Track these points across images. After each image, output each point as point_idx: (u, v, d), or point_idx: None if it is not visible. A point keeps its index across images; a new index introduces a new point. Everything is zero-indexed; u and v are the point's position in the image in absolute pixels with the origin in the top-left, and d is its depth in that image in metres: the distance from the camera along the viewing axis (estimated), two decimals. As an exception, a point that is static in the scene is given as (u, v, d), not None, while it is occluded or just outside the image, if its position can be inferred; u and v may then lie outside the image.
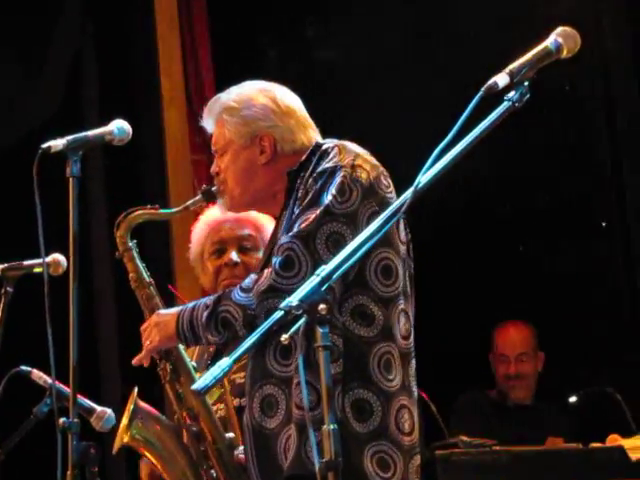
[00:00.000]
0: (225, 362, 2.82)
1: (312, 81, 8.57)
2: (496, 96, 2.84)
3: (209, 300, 3.94)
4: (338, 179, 3.75)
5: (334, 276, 2.74)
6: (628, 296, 8.81)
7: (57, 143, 3.64)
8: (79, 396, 3.84)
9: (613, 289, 8.87)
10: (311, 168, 3.90)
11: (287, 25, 8.85)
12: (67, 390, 3.80)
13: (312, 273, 2.82)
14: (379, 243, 3.10)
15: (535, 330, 7.89)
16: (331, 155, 3.86)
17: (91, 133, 3.80)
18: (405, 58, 8.86)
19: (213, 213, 4.92)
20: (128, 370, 6.67)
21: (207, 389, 3.03)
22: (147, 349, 4.07)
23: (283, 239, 3.77)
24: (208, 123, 4.20)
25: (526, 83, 2.90)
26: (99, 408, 4.55)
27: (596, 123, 9.20)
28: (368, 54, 8.72)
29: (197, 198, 4.21)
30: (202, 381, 2.89)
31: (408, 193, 2.75)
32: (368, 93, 8.72)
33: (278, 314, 2.72)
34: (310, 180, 3.84)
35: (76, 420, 3.65)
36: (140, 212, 4.29)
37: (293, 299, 2.67)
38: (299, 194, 3.91)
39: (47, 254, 3.79)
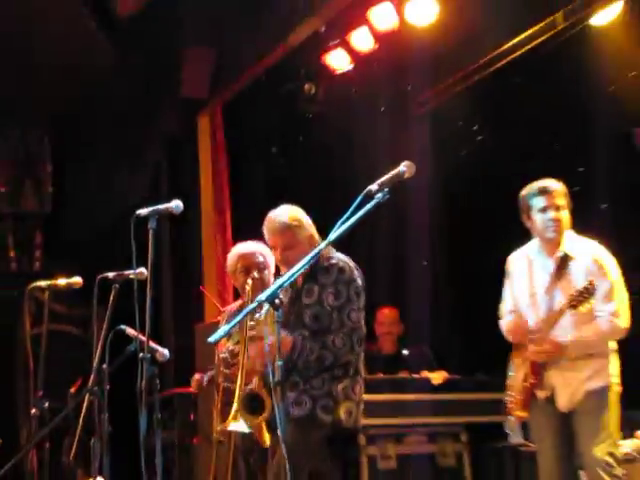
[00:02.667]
0: (227, 326, 4.32)
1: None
2: (370, 197, 4.17)
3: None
4: None
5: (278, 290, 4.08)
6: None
7: (144, 211, 4.95)
8: (150, 342, 5.06)
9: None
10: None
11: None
12: (144, 338, 5.01)
13: None
14: None
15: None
16: None
17: (161, 206, 5.05)
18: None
19: (241, 246, 6.45)
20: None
21: (217, 340, 4.76)
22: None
23: None
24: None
25: (386, 189, 4.16)
26: (161, 348, 5.87)
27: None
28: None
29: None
30: (216, 335, 4.65)
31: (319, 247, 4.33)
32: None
33: (255, 303, 4.14)
34: None
35: (148, 355, 4.97)
36: None
37: (263, 296, 4.03)
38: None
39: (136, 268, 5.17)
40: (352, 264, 5.56)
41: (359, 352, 5.54)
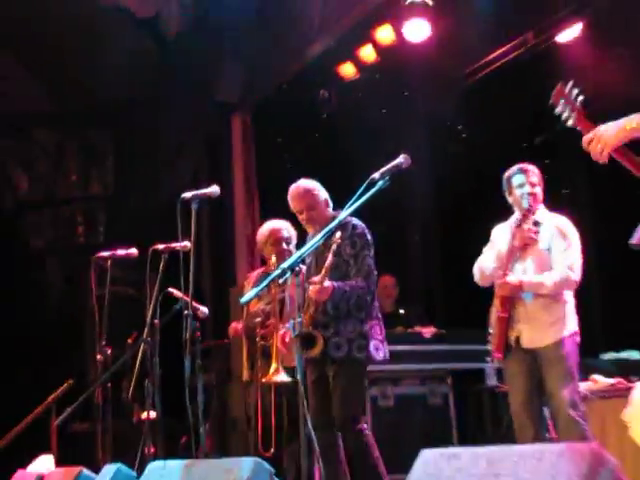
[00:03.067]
0: (256, 289, 4.63)
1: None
2: (374, 183, 4.27)
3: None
4: None
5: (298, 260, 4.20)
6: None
7: (188, 194, 5.09)
8: (193, 302, 5.23)
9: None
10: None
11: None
12: (187, 299, 5.17)
13: None
14: None
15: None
16: None
17: (202, 191, 5.22)
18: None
19: (270, 223, 6.60)
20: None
21: (248, 301, 4.86)
22: None
23: None
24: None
25: (387, 177, 4.30)
26: (201, 307, 6.10)
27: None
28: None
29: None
30: (246, 296, 4.78)
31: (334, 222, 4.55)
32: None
33: (280, 269, 4.23)
34: None
35: (191, 312, 5.13)
36: None
37: (286, 264, 4.19)
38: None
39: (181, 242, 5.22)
40: (363, 224, 5.64)
41: (374, 292, 5.64)
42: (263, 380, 5.77)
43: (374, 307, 5.69)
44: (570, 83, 4.31)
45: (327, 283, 5.35)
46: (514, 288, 5.46)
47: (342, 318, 5.47)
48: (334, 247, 5.37)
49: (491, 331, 5.67)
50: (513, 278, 5.49)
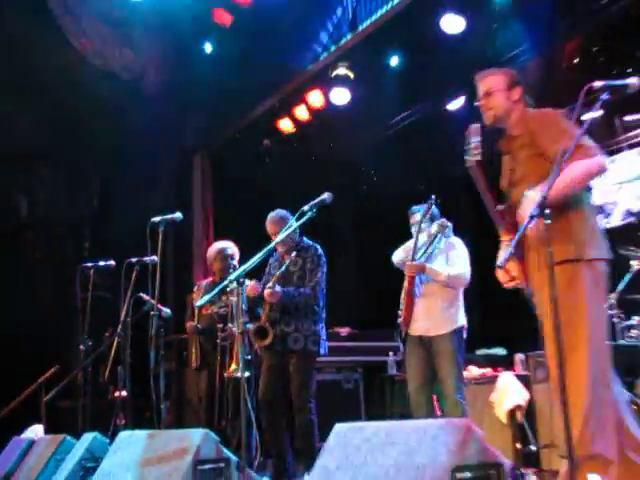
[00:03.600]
0: (208, 296, 4.68)
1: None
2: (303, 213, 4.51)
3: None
4: None
5: (242, 273, 4.54)
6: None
7: (157, 218, 5.15)
8: (159, 305, 5.26)
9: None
10: None
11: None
12: (154, 301, 5.20)
13: None
14: None
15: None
16: None
17: (168, 216, 5.23)
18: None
19: (218, 243, 6.64)
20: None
21: (202, 305, 4.79)
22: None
23: None
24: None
25: (314, 209, 4.32)
26: (165, 309, 6.11)
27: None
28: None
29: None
30: (201, 301, 4.77)
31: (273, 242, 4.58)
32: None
33: (227, 281, 4.44)
34: None
35: (156, 312, 5.13)
36: None
37: (232, 276, 4.49)
38: None
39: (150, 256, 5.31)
40: (321, 250, 5.76)
41: (321, 300, 5.72)
42: (225, 375, 5.73)
43: (322, 312, 5.76)
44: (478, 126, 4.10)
45: (278, 288, 5.44)
46: (418, 267, 5.29)
47: (300, 318, 5.58)
48: (286, 262, 5.57)
49: (401, 307, 5.47)
50: (417, 262, 5.34)
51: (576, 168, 3.45)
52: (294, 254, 5.63)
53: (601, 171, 3.52)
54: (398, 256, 5.72)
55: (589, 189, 3.74)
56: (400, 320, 5.48)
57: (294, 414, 5.52)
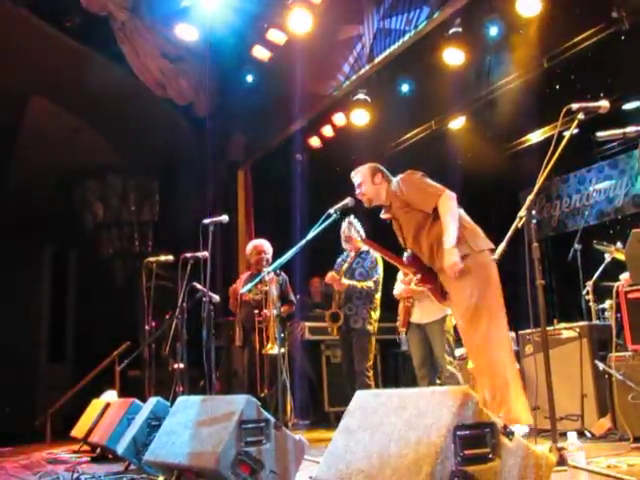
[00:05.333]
0: (250, 285, 4.66)
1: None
2: (329, 215, 4.45)
3: None
4: None
5: (278, 266, 4.45)
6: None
7: (207, 221, 5.15)
8: (210, 293, 5.31)
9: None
10: None
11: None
12: (206, 290, 5.25)
13: None
14: None
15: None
16: None
17: (216, 219, 5.21)
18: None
19: (254, 241, 6.59)
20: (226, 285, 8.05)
21: (245, 292, 4.80)
22: None
23: None
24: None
25: (338, 212, 4.27)
26: (214, 295, 5.88)
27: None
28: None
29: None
30: (244, 289, 4.77)
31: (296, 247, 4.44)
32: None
33: (265, 272, 4.59)
34: None
35: (208, 298, 5.24)
36: None
37: (270, 268, 4.52)
38: None
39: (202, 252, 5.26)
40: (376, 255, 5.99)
41: (375, 293, 5.98)
42: (263, 352, 5.87)
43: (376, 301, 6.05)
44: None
45: (345, 281, 5.83)
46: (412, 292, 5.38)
47: (359, 305, 5.85)
48: (350, 261, 5.96)
49: (399, 316, 5.62)
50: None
51: (447, 210, 4.15)
52: (353, 254, 6.00)
53: (454, 198, 4.17)
54: (396, 289, 5.77)
55: None
56: (398, 324, 5.65)
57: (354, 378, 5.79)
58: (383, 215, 4.67)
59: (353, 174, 4.69)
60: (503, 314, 4.18)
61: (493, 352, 4.05)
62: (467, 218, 4.35)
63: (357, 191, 4.60)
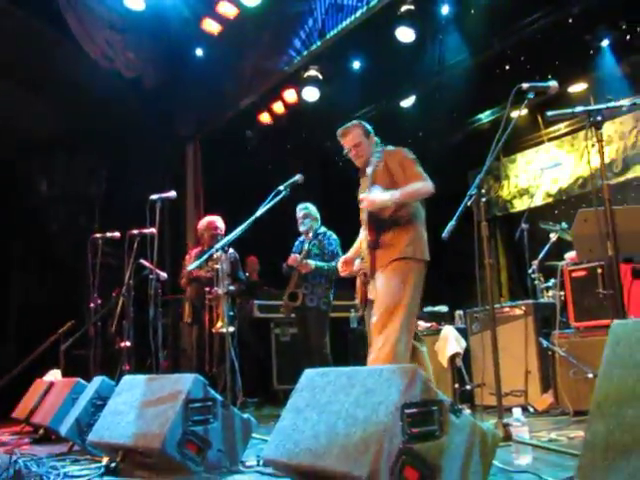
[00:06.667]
0: (198, 262, 4.57)
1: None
2: (279, 192, 4.37)
3: None
4: None
5: (226, 244, 4.49)
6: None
7: (154, 196, 5.06)
8: (157, 270, 5.31)
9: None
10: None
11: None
12: (152, 267, 5.22)
13: None
14: None
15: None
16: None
17: (164, 194, 5.14)
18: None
19: (207, 217, 6.43)
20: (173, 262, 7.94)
21: (193, 269, 4.70)
22: None
23: None
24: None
25: (288, 188, 4.19)
26: (162, 273, 5.86)
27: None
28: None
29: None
30: (191, 266, 4.67)
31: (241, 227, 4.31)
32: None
33: (213, 249, 4.38)
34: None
35: (154, 276, 5.19)
36: None
37: (218, 245, 4.41)
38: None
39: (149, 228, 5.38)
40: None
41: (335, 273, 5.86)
42: (213, 330, 5.79)
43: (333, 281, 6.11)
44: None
45: (311, 262, 5.85)
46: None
47: (315, 284, 5.90)
48: (313, 241, 6.00)
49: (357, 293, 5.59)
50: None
51: (417, 188, 3.99)
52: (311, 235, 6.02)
53: (425, 193, 4.01)
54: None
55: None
56: (357, 301, 5.59)
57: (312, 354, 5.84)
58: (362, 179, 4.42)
59: (341, 133, 4.36)
60: (414, 320, 4.21)
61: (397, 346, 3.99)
62: (424, 226, 4.24)
63: (350, 152, 4.31)
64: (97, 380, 4.48)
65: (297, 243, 6.30)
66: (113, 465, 3.36)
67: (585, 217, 4.17)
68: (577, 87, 8.41)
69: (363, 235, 4.32)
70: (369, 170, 4.11)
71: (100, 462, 3.51)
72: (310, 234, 6.13)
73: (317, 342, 5.86)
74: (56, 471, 3.42)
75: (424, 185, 4.00)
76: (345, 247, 5.96)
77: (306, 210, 6.17)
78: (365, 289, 5.46)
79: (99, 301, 6.35)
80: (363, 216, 4.21)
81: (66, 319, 6.92)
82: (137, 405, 3.49)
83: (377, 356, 3.98)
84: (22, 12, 7.29)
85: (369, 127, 4.39)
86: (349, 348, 7.99)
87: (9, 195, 8.04)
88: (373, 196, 4.03)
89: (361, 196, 4.06)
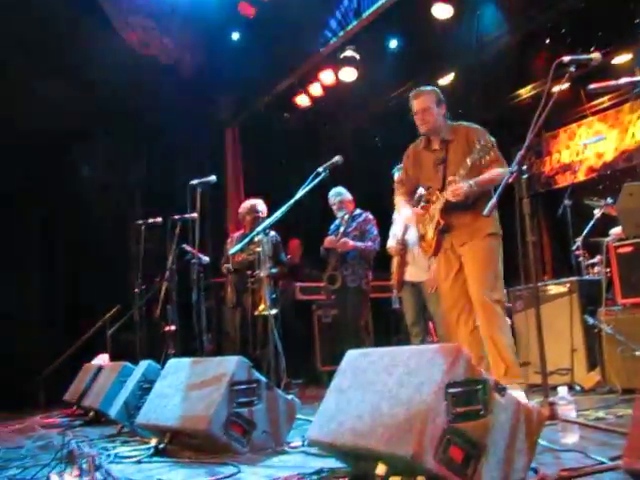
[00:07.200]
0: (240, 245, 4.59)
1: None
2: (318, 174, 4.28)
3: None
4: None
5: (267, 226, 4.48)
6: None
7: (195, 181, 5.14)
8: (199, 254, 5.43)
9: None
10: None
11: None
12: (195, 251, 5.34)
13: None
14: None
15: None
16: None
17: (205, 179, 5.21)
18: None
19: (248, 201, 6.71)
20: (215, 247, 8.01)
21: (235, 252, 4.71)
22: None
23: None
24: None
25: (327, 170, 4.20)
26: (204, 257, 6.08)
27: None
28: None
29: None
30: (234, 249, 4.69)
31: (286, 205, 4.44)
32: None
33: (255, 232, 4.42)
34: None
35: (197, 260, 5.30)
36: None
37: (260, 228, 4.49)
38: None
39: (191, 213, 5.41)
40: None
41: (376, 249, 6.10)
42: (255, 313, 5.80)
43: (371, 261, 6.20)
44: None
45: (350, 241, 5.92)
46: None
47: (354, 265, 5.96)
48: (351, 224, 6.04)
49: (393, 274, 5.68)
50: None
51: (495, 175, 4.00)
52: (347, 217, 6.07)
53: (503, 180, 3.62)
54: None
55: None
56: (393, 282, 5.72)
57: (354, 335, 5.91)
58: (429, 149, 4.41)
59: (414, 95, 4.26)
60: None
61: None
62: None
63: (416, 115, 4.24)
64: (144, 364, 4.55)
65: (332, 227, 6.30)
66: (162, 446, 3.42)
67: (631, 191, 4.09)
68: (621, 58, 8.13)
69: (410, 217, 4.52)
70: (469, 161, 4.05)
71: (149, 443, 3.57)
72: (346, 217, 6.12)
73: (358, 322, 5.89)
74: (107, 452, 3.51)
75: (504, 172, 3.92)
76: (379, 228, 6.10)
77: (340, 196, 6.16)
78: (402, 270, 5.52)
79: (143, 286, 6.43)
80: (437, 204, 4.24)
81: (112, 304, 7.15)
82: (183, 388, 3.54)
83: (493, 321, 4.04)
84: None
85: (442, 97, 4.34)
86: (390, 328, 7.95)
87: (54, 182, 8.14)
88: (459, 190, 4.05)
89: (449, 190, 4.07)
